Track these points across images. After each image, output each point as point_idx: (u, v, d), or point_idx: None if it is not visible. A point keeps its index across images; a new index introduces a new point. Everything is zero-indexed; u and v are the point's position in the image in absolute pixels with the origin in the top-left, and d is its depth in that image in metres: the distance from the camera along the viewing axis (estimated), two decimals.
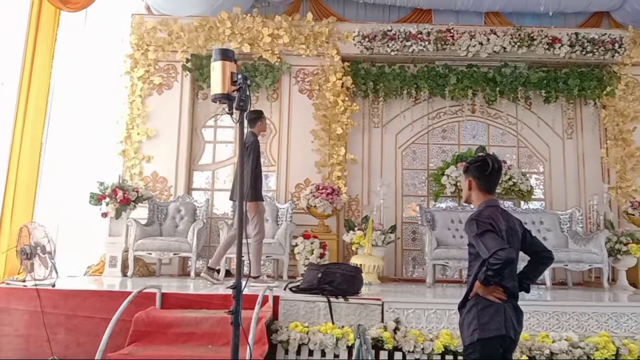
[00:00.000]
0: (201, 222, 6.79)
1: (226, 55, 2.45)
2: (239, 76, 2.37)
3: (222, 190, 8.00)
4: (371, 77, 7.98)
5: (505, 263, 2.36)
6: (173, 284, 5.88)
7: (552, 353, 4.00)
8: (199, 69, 7.81)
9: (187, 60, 7.77)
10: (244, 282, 2.29)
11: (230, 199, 6.06)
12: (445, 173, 7.53)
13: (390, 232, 6.99)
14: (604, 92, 7.88)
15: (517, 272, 2.66)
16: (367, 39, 7.75)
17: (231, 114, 2.40)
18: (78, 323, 4.47)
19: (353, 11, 8.63)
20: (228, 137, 8.05)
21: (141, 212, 6.98)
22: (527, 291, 2.69)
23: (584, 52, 7.73)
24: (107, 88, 7.51)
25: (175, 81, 7.86)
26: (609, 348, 4.04)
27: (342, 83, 7.75)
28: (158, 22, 7.79)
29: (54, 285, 4.86)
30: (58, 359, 4.32)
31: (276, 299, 4.38)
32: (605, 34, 7.84)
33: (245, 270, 5.55)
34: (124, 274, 6.54)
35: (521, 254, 2.69)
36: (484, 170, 2.62)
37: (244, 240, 2.26)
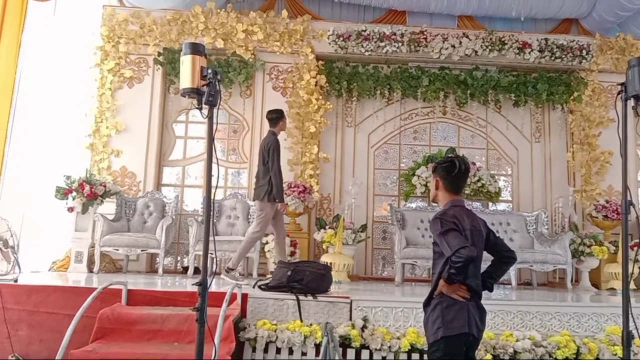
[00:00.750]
0: (170, 219, 6.71)
1: (196, 49, 2.42)
2: (209, 71, 2.35)
3: (193, 187, 7.93)
4: (345, 77, 8.01)
5: (467, 261, 2.40)
6: (140, 280, 5.79)
7: (515, 352, 4.06)
8: (171, 63, 7.71)
9: (159, 54, 7.66)
10: (210, 279, 2.26)
11: (253, 199, 6.05)
12: (416, 173, 7.61)
13: (361, 231, 7.02)
14: (571, 98, 8.08)
15: (482, 271, 2.70)
16: (341, 38, 7.77)
17: (200, 109, 2.38)
18: (41, 319, 4.36)
19: (328, 10, 8.65)
20: (200, 133, 7.96)
21: (109, 208, 6.86)
22: (491, 290, 2.72)
23: (553, 58, 7.91)
24: (76, 80, 7.35)
25: (146, 75, 7.74)
26: (570, 347, 4.12)
27: (316, 82, 7.76)
28: (130, 14, 7.66)
29: (16, 281, 4.73)
30: (18, 357, 4.20)
31: (244, 296, 4.35)
32: (574, 40, 8.03)
33: (215, 267, 5.51)
34: (90, 270, 6.42)
35: (485, 254, 2.73)
36: (451, 171, 2.67)
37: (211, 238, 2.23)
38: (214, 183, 2.29)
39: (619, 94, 2.71)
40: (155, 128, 7.65)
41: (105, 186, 6.62)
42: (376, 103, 8.22)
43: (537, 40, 7.96)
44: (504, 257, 2.70)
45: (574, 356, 4.10)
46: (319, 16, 8.35)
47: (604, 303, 5.07)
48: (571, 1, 8.79)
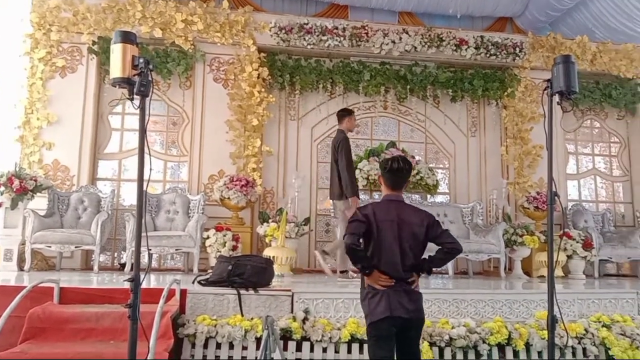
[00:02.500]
0: (106, 214, 6.47)
1: (127, 37, 2.34)
2: (141, 60, 2.27)
3: (130, 181, 7.67)
4: (288, 70, 7.99)
5: (348, 247, 2.74)
6: (74, 278, 5.56)
7: (451, 339, 4.20)
8: (106, 52, 7.40)
9: (94, 43, 7.36)
10: (143, 275, 2.21)
11: (330, 198, 5.98)
12: (358, 167, 7.69)
13: (304, 224, 7.05)
14: (505, 94, 8.41)
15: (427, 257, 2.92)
16: (283, 31, 7.74)
17: (132, 100, 2.30)
18: None
19: (270, 2, 8.59)
20: (137, 125, 7.70)
21: (40, 203, 6.54)
22: (428, 273, 2.93)
23: (488, 55, 8.19)
24: (3, 69, 6.96)
25: (80, 64, 7.42)
26: (502, 332, 4.30)
27: (259, 74, 7.68)
28: (62, 0, 7.30)
29: None
30: None
31: (183, 292, 4.27)
32: (508, 38, 8.36)
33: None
34: (21, 268, 6.11)
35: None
36: (385, 168, 2.95)
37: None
38: (146, 176, 2.23)
39: (545, 90, 2.84)
40: (89, 120, 7.35)
41: (36, 180, 6.30)
42: (319, 97, 8.25)
43: (474, 37, 8.22)
44: (446, 248, 2.87)
45: (506, 341, 4.28)
46: (261, 8, 8.28)
47: (534, 290, 5.33)
48: (506, 1, 9.14)
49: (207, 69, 7.74)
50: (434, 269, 2.94)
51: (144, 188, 2.25)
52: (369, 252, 2.84)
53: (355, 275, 5.79)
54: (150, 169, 2.14)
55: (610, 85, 8.81)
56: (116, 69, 2.33)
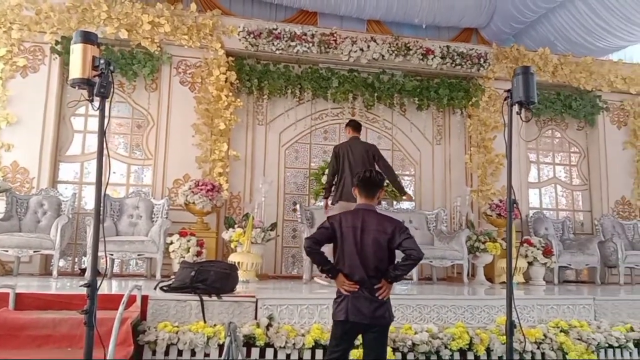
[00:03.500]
0: (66, 218, 6.30)
1: (88, 37, 2.30)
2: (102, 61, 2.23)
3: (92, 184, 7.47)
4: (256, 74, 7.96)
5: (307, 249, 2.96)
6: (32, 283, 5.40)
7: (414, 344, 4.23)
8: (69, 52, 7.23)
9: (57, 43, 7.18)
10: (100, 280, 2.15)
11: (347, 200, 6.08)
12: (325, 173, 7.70)
13: (271, 230, 7.00)
14: (470, 103, 8.57)
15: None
16: (252, 36, 7.71)
17: (91, 101, 2.25)
18: None
19: (239, 6, 8.58)
20: None
21: None
22: (393, 279, 3.02)
23: (453, 65, 8.34)
24: None
25: (42, 64, 7.23)
26: (463, 338, 4.35)
27: (226, 78, 7.62)
28: None
29: None
30: None
31: (145, 298, 4.18)
32: (473, 49, 8.53)
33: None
34: None
35: None
36: (360, 177, 3.15)
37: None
38: (106, 180, 2.18)
39: (505, 100, 2.91)
40: (51, 121, 7.16)
41: None
42: (287, 102, 8.24)
43: (440, 47, 8.35)
44: (405, 255, 2.97)
45: (468, 346, 4.33)
46: (229, 12, 8.26)
47: (495, 296, 5.41)
48: (471, 12, 9.37)
49: (174, 72, 7.64)
50: (400, 276, 3.05)
51: (103, 191, 2.19)
52: (336, 257, 3.00)
53: (324, 282, 6.04)
54: (110, 172, 2.09)
55: (570, 96, 9.08)
56: (76, 70, 2.29)
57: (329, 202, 6.24)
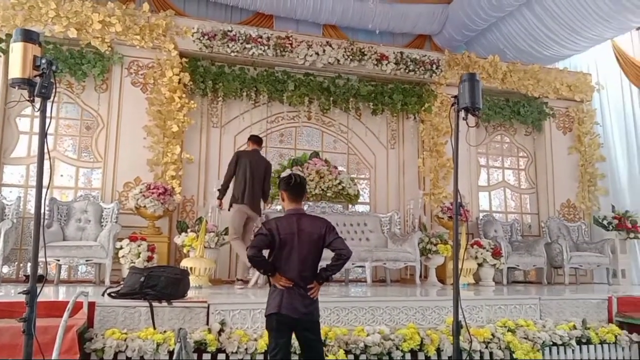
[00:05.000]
0: (10, 222, 6.03)
1: (29, 36, 2.21)
2: (43, 60, 2.15)
3: None
4: (210, 76, 7.86)
5: (250, 258, 3.11)
6: None
7: (366, 346, 4.26)
8: None
9: (1, 41, 6.88)
10: (39, 287, 2.07)
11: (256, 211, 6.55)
12: (281, 176, 7.68)
13: (225, 234, 6.92)
14: (423, 108, 8.74)
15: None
16: (206, 37, 7.62)
17: (32, 102, 2.17)
18: None
19: (194, 7, 8.47)
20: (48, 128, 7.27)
21: None
22: (325, 279, 3.26)
23: (407, 71, 8.49)
24: None
25: None
26: (415, 339, 4.42)
27: (180, 79, 7.50)
28: None
29: None
30: None
31: (92, 305, 4.06)
32: (426, 55, 8.70)
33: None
34: None
35: None
36: (289, 183, 3.26)
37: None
38: (53, 182, 2.11)
39: (452, 105, 2.98)
40: None
41: None
42: (243, 105, 8.18)
43: (394, 53, 8.48)
44: (336, 254, 3.18)
45: (419, 347, 4.40)
46: (184, 13, 8.14)
47: (446, 297, 5.50)
48: (424, 19, 9.57)
49: (125, 72, 7.46)
50: (330, 276, 3.31)
51: (44, 195, 2.12)
52: (271, 260, 3.17)
53: (242, 285, 6.30)
54: (52, 175, 2.02)
55: (519, 103, 9.40)
56: (16, 69, 2.20)
57: (222, 202, 6.64)
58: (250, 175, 6.35)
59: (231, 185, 6.50)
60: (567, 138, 9.66)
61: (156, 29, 7.46)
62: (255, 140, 6.79)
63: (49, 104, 2.18)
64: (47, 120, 2.12)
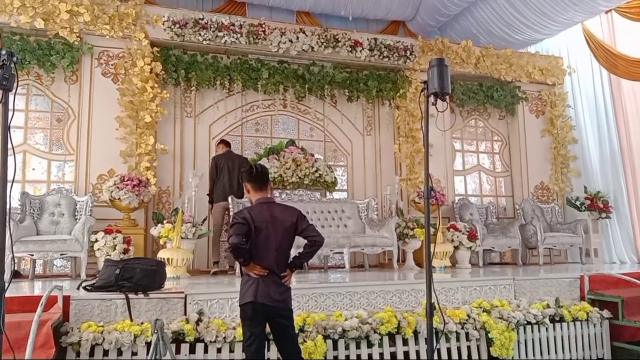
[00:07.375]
0: None
1: None
2: (3, 52, 2.11)
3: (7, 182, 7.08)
4: (183, 65, 7.76)
5: (233, 247, 3.05)
6: None
7: (344, 330, 4.31)
8: None
9: None
10: (7, 282, 2.05)
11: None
12: (254, 166, 7.65)
13: (202, 225, 6.90)
14: (397, 94, 8.78)
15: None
16: (177, 26, 7.51)
17: None
18: None
19: None
20: (17, 122, 7.11)
21: None
22: (299, 267, 3.36)
23: (381, 57, 8.50)
24: None
25: None
26: (392, 322, 4.48)
27: (151, 69, 7.40)
28: None
29: None
30: None
31: (66, 299, 4.02)
32: (400, 41, 8.71)
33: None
34: None
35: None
36: (251, 173, 3.30)
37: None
38: (18, 176, 2.08)
39: (422, 91, 3.00)
40: None
41: None
42: (217, 94, 8.10)
43: (368, 39, 8.48)
44: (309, 242, 3.23)
45: (396, 330, 4.47)
46: (154, 1, 8.01)
47: (421, 280, 5.57)
48: (398, 4, 9.57)
49: (95, 63, 7.32)
50: (303, 263, 3.45)
51: (9, 190, 2.09)
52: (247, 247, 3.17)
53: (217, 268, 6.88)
54: (15, 169, 1.98)
55: (492, 87, 9.50)
56: None
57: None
58: (227, 174, 7.13)
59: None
60: (539, 121, 9.81)
61: (126, 18, 7.33)
62: (225, 142, 7.58)
63: (11, 96, 2.13)
64: (10, 113, 2.08)
